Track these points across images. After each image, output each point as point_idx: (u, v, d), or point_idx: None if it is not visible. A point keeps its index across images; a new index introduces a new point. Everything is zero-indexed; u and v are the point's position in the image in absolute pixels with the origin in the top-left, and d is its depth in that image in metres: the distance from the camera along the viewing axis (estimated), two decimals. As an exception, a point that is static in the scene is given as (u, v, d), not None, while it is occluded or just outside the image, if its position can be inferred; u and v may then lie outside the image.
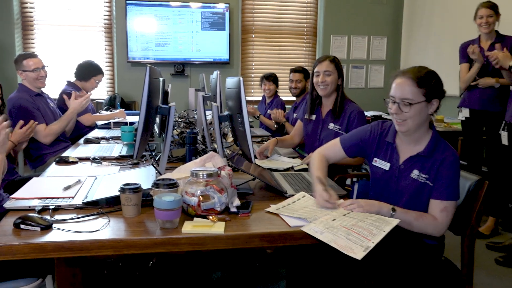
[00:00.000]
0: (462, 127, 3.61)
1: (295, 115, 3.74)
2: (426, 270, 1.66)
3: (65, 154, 2.40)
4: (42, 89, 3.09)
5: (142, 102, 1.46)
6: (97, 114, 3.80)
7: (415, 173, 1.65)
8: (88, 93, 3.39)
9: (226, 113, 1.85)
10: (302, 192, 1.67)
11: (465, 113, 3.49)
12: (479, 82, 3.36)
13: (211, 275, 2.56)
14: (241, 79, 1.59)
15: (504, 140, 2.99)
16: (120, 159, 2.30)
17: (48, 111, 3.06)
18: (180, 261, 2.67)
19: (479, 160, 3.50)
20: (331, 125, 2.54)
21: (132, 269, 2.42)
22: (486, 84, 3.33)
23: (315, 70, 2.52)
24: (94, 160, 2.22)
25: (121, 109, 4.09)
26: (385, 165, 1.73)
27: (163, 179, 1.46)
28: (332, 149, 1.88)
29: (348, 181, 2.65)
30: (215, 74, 2.53)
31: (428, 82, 1.59)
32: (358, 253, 1.22)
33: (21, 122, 2.63)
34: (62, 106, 3.32)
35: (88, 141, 2.84)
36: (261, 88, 4.40)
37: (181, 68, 5.41)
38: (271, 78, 4.25)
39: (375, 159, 1.78)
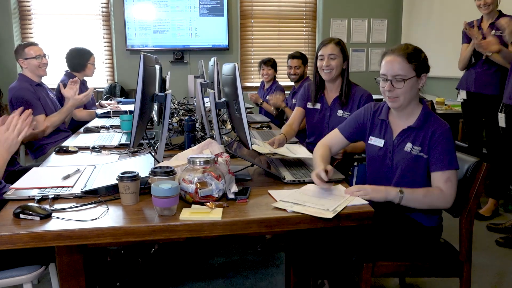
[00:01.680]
0: (461, 109, 3.60)
1: (294, 100, 3.71)
2: (424, 252, 1.68)
3: (65, 143, 2.41)
4: (42, 79, 3.10)
5: (137, 90, 1.46)
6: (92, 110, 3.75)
7: (408, 146, 1.68)
8: (90, 88, 3.34)
9: (223, 99, 1.84)
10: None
11: (462, 95, 3.47)
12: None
13: (213, 260, 2.59)
14: (237, 65, 1.58)
15: (502, 122, 2.97)
16: (119, 147, 2.31)
17: (49, 102, 3.07)
18: (182, 247, 2.70)
19: (479, 142, 3.49)
20: (340, 112, 2.44)
21: (134, 256, 2.45)
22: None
23: (319, 53, 2.41)
24: (94, 149, 2.23)
25: (114, 100, 4.10)
26: (380, 142, 1.77)
27: (160, 167, 1.46)
28: (334, 138, 1.93)
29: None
30: (212, 60, 2.51)
31: (417, 57, 1.62)
32: (328, 215, 1.32)
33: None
34: (60, 97, 3.32)
35: (88, 130, 2.85)
36: (259, 73, 4.38)
37: (180, 55, 5.38)
38: (270, 63, 4.23)
39: (370, 137, 1.81)
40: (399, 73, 1.60)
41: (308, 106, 2.58)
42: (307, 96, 2.61)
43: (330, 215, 1.32)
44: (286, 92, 4.15)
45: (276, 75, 4.37)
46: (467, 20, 3.40)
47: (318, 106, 2.54)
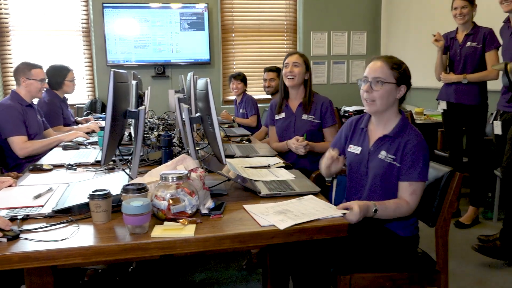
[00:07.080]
0: (442, 119, 3.65)
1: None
2: (401, 263, 1.68)
3: (41, 161, 2.37)
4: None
5: (107, 107, 1.45)
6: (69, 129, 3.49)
7: (382, 154, 1.72)
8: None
9: (197, 114, 1.84)
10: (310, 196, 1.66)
11: (442, 105, 3.52)
12: (442, 77, 3.43)
13: (194, 277, 2.55)
14: (209, 80, 1.59)
15: (498, 130, 2.97)
16: (95, 164, 2.27)
17: (36, 123, 3.04)
18: (161, 264, 2.66)
19: (459, 151, 3.53)
20: (304, 116, 2.69)
21: (112, 275, 2.40)
22: (448, 80, 3.39)
23: (285, 62, 2.69)
24: (69, 166, 2.19)
25: (93, 120, 3.95)
26: (357, 149, 1.82)
27: (133, 184, 1.44)
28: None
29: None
30: (189, 75, 2.51)
31: (399, 67, 1.69)
32: (281, 226, 1.33)
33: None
34: (48, 113, 3.40)
35: (66, 147, 2.80)
36: (229, 87, 4.49)
37: (161, 69, 5.37)
38: (240, 77, 4.35)
39: (349, 145, 1.86)
40: (379, 76, 1.67)
41: (276, 118, 2.80)
42: (273, 112, 2.84)
43: (282, 226, 1.33)
44: (264, 105, 4.24)
45: (247, 89, 4.47)
46: (443, 32, 3.48)
47: (283, 115, 2.78)
